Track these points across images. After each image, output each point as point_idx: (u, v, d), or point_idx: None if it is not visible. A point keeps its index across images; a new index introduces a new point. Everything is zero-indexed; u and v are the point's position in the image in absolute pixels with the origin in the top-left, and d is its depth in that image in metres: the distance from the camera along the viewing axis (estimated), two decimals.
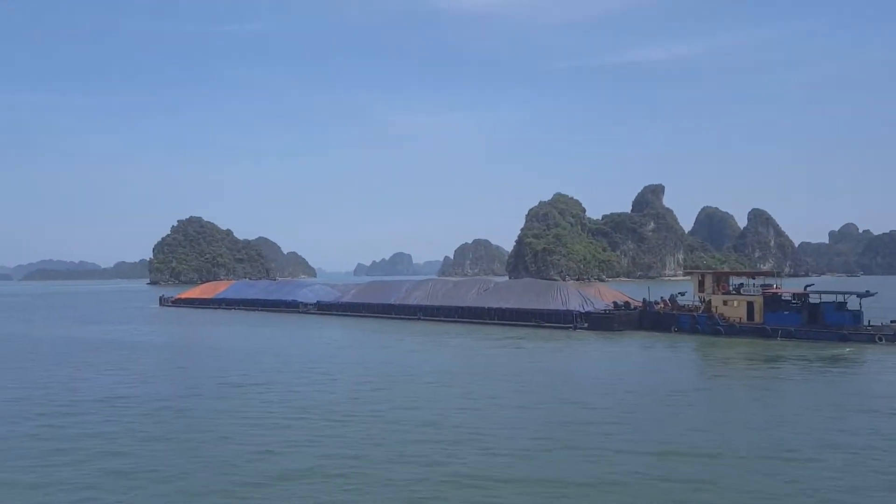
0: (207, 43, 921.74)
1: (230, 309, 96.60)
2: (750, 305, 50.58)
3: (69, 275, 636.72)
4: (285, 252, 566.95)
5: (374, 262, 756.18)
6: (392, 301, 74.93)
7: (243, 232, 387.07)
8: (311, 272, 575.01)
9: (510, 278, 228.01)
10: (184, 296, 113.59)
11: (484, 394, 27.67)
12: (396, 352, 43.54)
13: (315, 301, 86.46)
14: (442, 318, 66.67)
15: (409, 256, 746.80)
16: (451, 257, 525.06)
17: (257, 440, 20.33)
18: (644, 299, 60.28)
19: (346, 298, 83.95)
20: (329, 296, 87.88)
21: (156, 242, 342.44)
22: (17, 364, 38.58)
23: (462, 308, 65.99)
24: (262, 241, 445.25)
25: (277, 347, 46.54)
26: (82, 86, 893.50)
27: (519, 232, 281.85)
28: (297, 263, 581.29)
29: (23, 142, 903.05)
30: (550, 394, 27.62)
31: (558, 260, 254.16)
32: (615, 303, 61.05)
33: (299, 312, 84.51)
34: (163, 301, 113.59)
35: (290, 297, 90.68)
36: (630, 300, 62.04)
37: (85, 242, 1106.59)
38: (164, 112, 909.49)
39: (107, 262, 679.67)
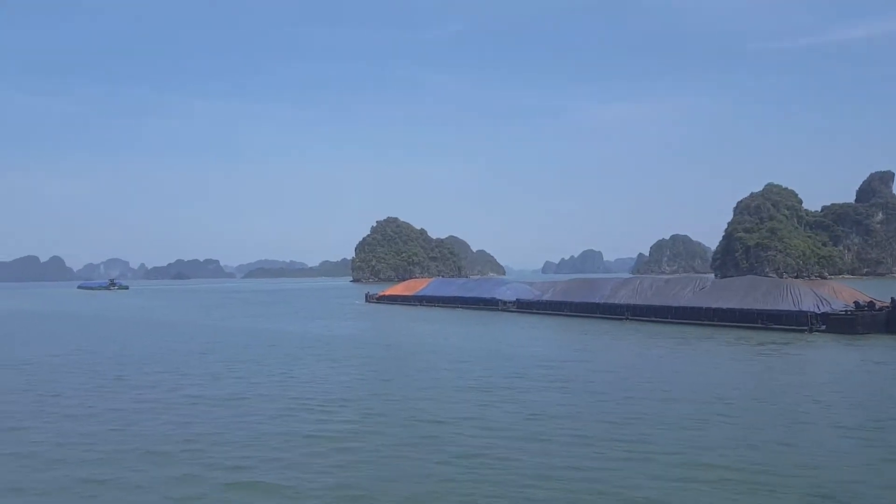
0: (399, 48, 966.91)
1: (430, 306, 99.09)
2: None
3: (281, 272, 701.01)
4: (474, 250, 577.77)
5: (562, 259, 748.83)
6: (597, 300, 71.91)
7: (435, 230, 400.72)
8: (500, 270, 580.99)
9: (717, 276, 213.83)
10: (387, 293, 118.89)
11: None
12: (644, 359, 38.47)
13: (514, 299, 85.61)
14: (652, 318, 62.63)
15: (600, 254, 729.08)
16: (646, 254, 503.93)
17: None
18: (893, 298, 52.66)
19: (547, 296, 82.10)
20: (528, 294, 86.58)
21: (357, 242, 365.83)
22: (258, 360, 40.02)
23: (677, 308, 61.49)
24: (453, 239, 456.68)
25: (502, 347, 44.72)
26: (292, 98, 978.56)
27: (726, 226, 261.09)
28: (486, 261, 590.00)
29: (233, 151, 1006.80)
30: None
31: (774, 256, 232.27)
32: (857, 303, 53.77)
33: (498, 310, 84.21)
34: (368, 298, 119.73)
35: (488, 295, 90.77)
36: (874, 300, 54.48)
37: (295, 243, 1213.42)
38: (361, 118, 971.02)
39: (313, 261, 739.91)
